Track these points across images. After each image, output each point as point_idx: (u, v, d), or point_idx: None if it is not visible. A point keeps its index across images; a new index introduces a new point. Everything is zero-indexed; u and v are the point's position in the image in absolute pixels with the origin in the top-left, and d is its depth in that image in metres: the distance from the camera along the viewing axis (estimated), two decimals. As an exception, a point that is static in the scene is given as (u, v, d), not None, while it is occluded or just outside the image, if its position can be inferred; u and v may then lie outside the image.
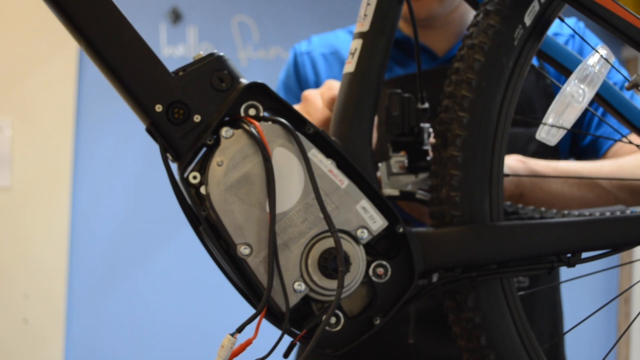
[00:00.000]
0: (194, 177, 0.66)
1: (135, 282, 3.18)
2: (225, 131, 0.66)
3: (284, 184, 0.66)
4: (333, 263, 0.66)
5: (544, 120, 0.74)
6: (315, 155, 0.68)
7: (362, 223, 0.68)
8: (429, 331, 1.17)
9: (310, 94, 1.01)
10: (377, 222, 0.68)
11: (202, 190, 0.66)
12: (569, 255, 0.72)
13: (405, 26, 1.32)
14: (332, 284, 0.67)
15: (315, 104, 0.98)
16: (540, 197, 1.04)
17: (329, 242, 0.67)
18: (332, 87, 0.99)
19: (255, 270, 0.65)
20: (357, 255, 0.68)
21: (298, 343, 0.69)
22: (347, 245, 0.68)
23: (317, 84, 1.33)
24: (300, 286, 0.66)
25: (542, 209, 0.81)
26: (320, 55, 1.37)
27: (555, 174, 1.05)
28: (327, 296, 0.67)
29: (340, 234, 0.67)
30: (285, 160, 0.67)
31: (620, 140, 1.10)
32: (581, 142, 1.26)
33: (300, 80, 1.36)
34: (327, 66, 1.35)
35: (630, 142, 0.87)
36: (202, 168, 0.66)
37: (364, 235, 0.68)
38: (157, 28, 3.19)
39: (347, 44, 1.38)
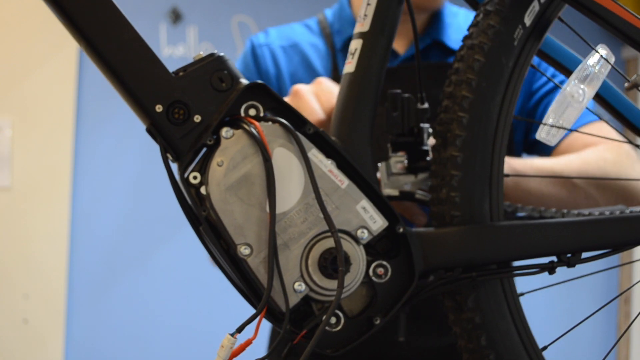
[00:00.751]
0: (194, 177, 0.66)
1: (135, 282, 3.18)
2: (225, 131, 0.66)
3: (284, 184, 0.66)
4: (333, 263, 0.66)
5: (543, 120, 0.74)
6: (316, 155, 0.68)
7: (362, 223, 0.68)
8: (417, 325, 1.17)
9: (304, 91, 1.00)
10: (377, 222, 0.69)
11: (203, 190, 0.66)
12: (569, 255, 0.72)
13: None
14: (332, 284, 0.67)
15: (311, 104, 0.98)
16: (520, 196, 1.05)
17: (329, 242, 0.67)
18: (332, 91, 0.98)
19: (256, 270, 0.65)
20: (357, 255, 0.68)
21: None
22: (347, 245, 0.68)
23: (279, 76, 1.33)
24: (300, 286, 0.66)
25: (542, 208, 0.81)
26: (279, 47, 1.37)
27: (533, 172, 1.06)
28: (327, 296, 0.67)
29: (340, 234, 0.67)
30: (285, 160, 0.67)
31: (627, 142, 1.10)
32: (532, 134, 1.27)
33: (260, 71, 1.36)
34: (287, 59, 1.35)
35: (630, 142, 0.87)
36: (203, 168, 0.66)
37: (364, 235, 0.68)
38: (157, 28, 3.19)
39: (305, 37, 1.38)
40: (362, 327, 0.70)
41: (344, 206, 0.68)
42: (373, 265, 0.70)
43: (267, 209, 0.66)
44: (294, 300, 0.66)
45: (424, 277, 0.72)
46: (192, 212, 0.68)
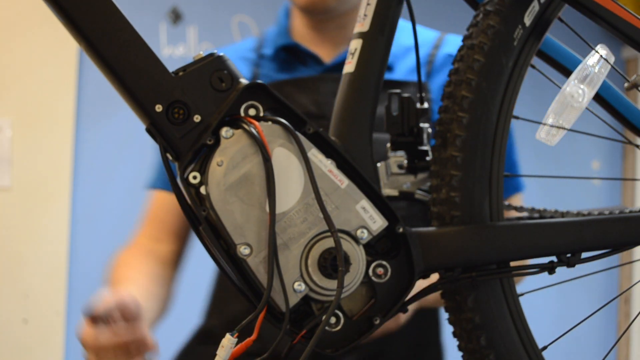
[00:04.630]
0: (194, 177, 0.66)
1: (135, 282, 3.17)
2: (225, 131, 0.66)
3: (283, 183, 0.66)
4: (333, 263, 0.66)
5: (543, 121, 0.74)
6: (315, 155, 0.68)
7: (362, 223, 0.68)
8: None
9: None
10: (377, 222, 0.69)
11: (202, 190, 0.66)
12: (568, 255, 0.72)
13: (298, 33, 1.33)
14: (332, 283, 0.67)
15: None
16: None
17: (329, 242, 0.67)
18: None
19: (255, 270, 0.65)
20: (357, 255, 0.68)
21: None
22: (347, 245, 0.68)
23: None
24: (300, 286, 0.66)
25: (542, 208, 0.81)
26: None
27: None
28: (327, 296, 0.67)
29: (340, 234, 0.67)
30: (285, 160, 0.67)
31: (627, 142, 1.10)
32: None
33: None
34: None
35: (630, 142, 0.87)
36: (202, 168, 0.66)
37: (363, 235, 0.68)
38: (157, 28, 3.19)
39: (237, 52, 1.36)
40: (362, 327, 0.70)
41: (344, 206, 0.68)
42: (373, 265, 0.70)
43: (267, 209, 0.66)
44: (293, 300, 0.66)
45: (424, 276, 0.72)
46: (192, 212, 0.68)
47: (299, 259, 0.67)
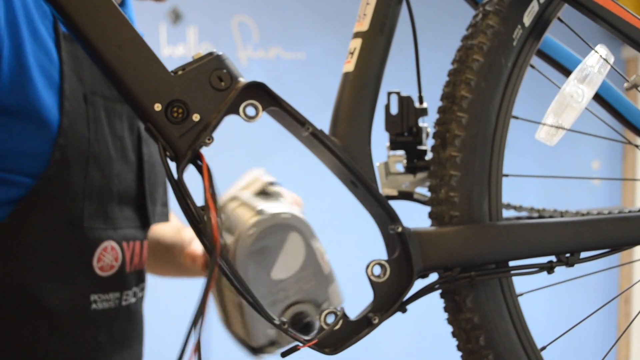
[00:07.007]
0: None
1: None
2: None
3: (289, 257, 0.82)
4: (301, 325, 0.83)
5: (542, 121, 0.74)
6: (317, 245, 0.84)
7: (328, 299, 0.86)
8: None
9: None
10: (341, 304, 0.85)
11: (228, 240, 0.81)
12: (568, 255, 0.72)
13: None
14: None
15: None
16: None
17: (303, 308, 0.84)
18: None
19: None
20: (318, 323, 0.74)
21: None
22: (313, 312, 0.84)
23: None
24: (271, 332, 0.84)
25: (541, 208, 0.81)
26: None
27: None
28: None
29: (310, 304, 0.84)
30: (296, 242, 0.83)
31: (627, 142, 1.10)
32: None
33: None
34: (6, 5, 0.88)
35: (630, 142, 0.87)
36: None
37: (326, 306, 0.84)
38: (157, 28, 3.19)
39: None
40: (361, 327, 0.70)
41: (322, 285, 0.85)
42: (372, 264, 0.70)
43: (272, 275, 0.82)
44: (262, 341, 0.85)
45: (423, 276, 0.72)
46: (191, 212, 0.68)
47: (279, 313, 0.83)
